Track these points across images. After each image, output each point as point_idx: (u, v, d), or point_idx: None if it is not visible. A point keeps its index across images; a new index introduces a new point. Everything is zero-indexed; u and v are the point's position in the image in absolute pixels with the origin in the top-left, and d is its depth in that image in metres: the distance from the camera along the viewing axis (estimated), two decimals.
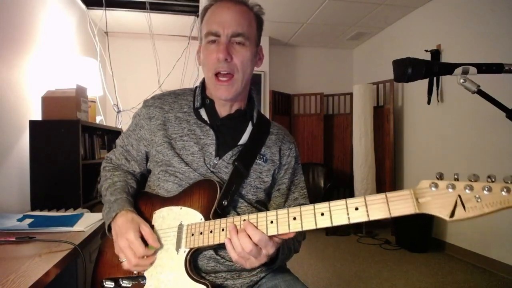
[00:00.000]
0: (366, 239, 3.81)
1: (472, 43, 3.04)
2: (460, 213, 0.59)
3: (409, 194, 0.63)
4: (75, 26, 3.10)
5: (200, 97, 1.00)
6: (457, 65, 0.77)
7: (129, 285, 0.87)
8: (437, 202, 0.61)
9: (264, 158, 0.98)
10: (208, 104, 0.99)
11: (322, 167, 4.50)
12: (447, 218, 0.59)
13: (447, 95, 3.37)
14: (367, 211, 0.65)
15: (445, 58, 3.35)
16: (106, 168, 1.04)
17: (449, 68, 0.78)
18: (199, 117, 0.98)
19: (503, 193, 0.56)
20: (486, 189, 0.57)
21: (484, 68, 0.77)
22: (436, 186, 0.61)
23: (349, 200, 0.68)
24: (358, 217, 0.66)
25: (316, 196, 4.21)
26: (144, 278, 0.86)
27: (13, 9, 2.01)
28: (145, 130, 0.99)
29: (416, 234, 3.42)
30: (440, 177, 0.62)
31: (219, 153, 0.94)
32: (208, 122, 0.97)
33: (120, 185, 0.96)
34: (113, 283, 0.89)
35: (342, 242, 3.74)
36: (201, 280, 0.81)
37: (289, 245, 0.91)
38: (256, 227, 0.74)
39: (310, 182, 4.40)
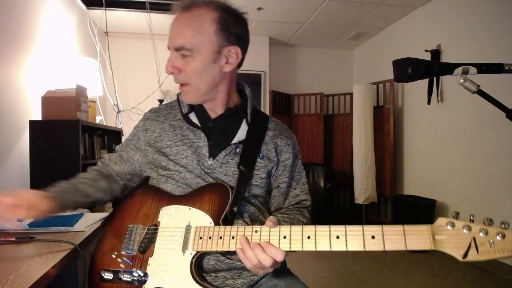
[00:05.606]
0: None
1: (472, 43, 3.04)
2: (473, 255, 0.60)
3: (427, 230, 0.64)
4: (75, 26, 3.10)
5: (186, 103, 1.01)
6: (457, 65, 0.77)
7: (129, 279, 0.86)
8: (452, 242, 0.62)
9: (261, 155, 0.98)
10: (198, 107, 1.01)
11: (322, 167, 4.49)
12: (460, 258, 0.61)
13: (447, 95, 3.36)
14: (383, 241, 0.66)
15: (445, 58, 3.35)
16: (94, 168, 1.12)
17: (449, 68, 0.78)
18: (189, 122, 1.00)
19: None
20: (500, 235, 0.59)
21: (484, 68, 0.77)
22: (453, 225, 0.63)
23: (366, 227, 0.68)
24: (374, 245, 0.66)
25: (316, 196, 4.21)
26: (146, 275, 0.85)
27: (13, 9, 2.01)
28: (142, 141, 1.04)
29: None
30: (456, 216, 0.63)
31: (212, 154, 0.95)
32: (199, 125, 0.99)
33: (74, 182, 1.03)
34: (111, 275, 0.88)
35: None
36: (205, 284, 0.81)
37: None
38: (277, 247, 0.73)
39: (310, 182, 4.40)
